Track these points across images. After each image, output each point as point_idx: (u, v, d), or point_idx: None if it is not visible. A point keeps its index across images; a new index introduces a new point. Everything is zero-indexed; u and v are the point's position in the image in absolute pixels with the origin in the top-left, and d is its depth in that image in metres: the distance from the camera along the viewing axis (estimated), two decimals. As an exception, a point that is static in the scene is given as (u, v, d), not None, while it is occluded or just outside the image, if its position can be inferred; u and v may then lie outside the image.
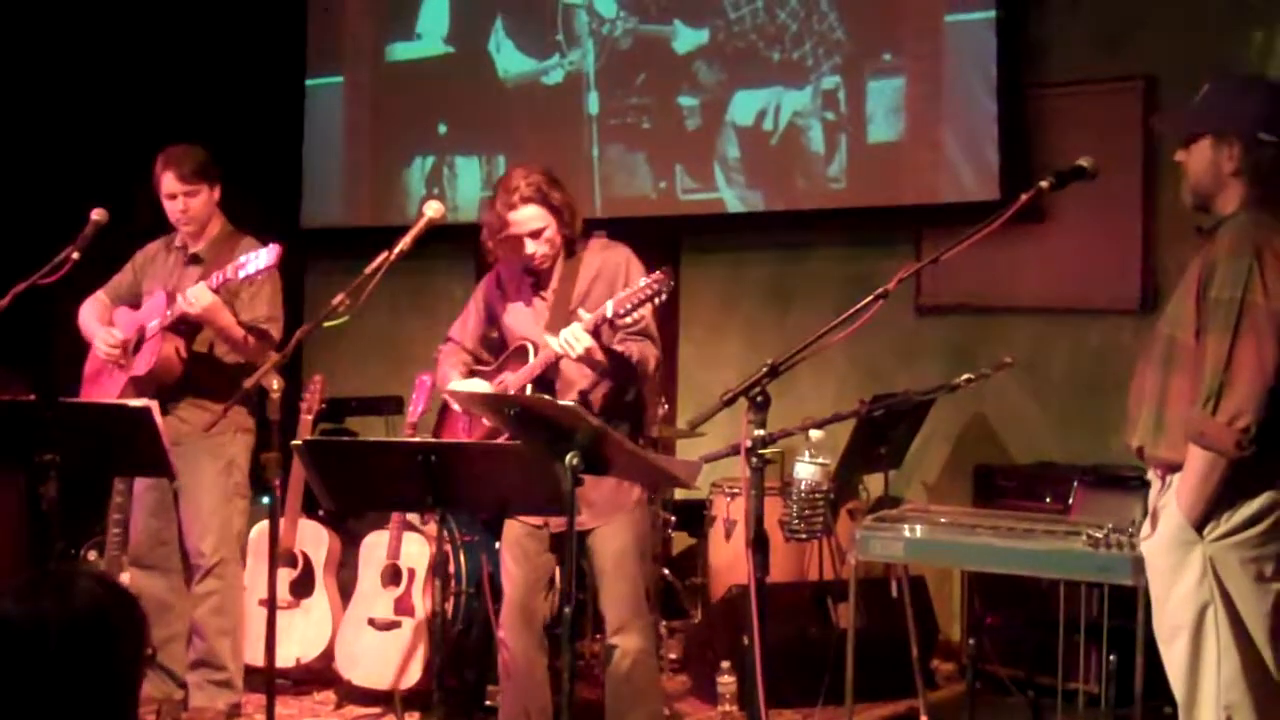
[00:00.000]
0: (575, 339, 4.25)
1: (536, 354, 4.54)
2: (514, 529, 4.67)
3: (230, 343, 5.28)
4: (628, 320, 4.25)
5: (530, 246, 4.55)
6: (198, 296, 5.05)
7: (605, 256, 4.64)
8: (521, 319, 4.70)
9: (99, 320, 5.52)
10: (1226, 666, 3.48)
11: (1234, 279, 3.42)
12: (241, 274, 5.01)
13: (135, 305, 5.52)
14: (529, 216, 4.52)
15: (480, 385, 4.66)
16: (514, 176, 4.57)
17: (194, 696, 5.42)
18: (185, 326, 5.28)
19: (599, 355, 4.35)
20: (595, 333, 4.27)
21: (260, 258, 4.99)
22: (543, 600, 4.70)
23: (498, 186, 4.62)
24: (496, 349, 4.79)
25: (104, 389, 5.40)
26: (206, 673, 5.41)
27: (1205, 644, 3.50)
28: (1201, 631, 3.50)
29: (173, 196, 5.40)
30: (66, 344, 5.66)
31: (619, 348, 4.44)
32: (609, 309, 4.22)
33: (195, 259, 5.47)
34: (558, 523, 4.50)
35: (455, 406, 4.70)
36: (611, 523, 4.57)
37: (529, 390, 4.51)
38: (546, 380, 4.55)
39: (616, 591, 4.60)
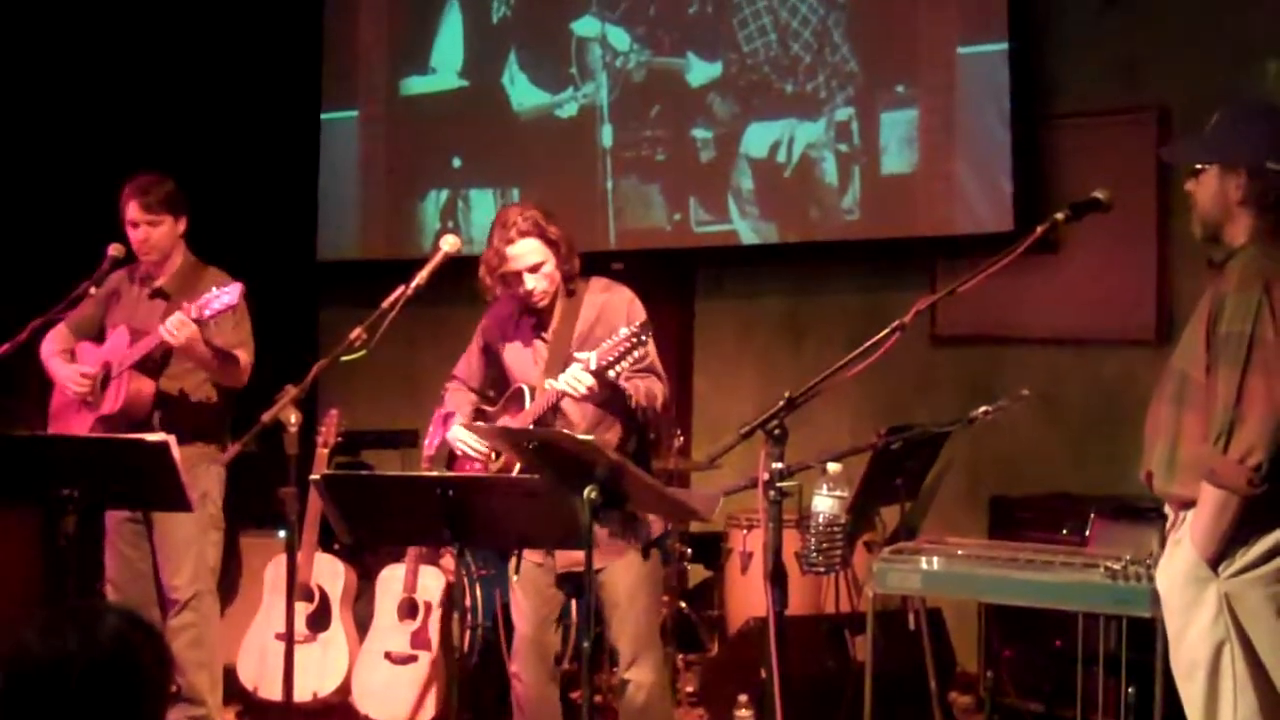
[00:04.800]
0: (577, 380, 4.24)
1: (533, 398, 4.54)
2: (524, 563, 4.68)
3: (208, 369, 5.30)
4: (619, 367, 4.24)
5: (529, 282, 4.54)
6: (179, 328, 5.05)
7: (607, 299, 4.63)
8: (521, 360, 4.70)
9: (61, 355, 5.52)
10: (1243, 705, 3.45)
11: (1243, 313, 3.39)
12: (207, 312, 5.00)
13: (98, 339, 5.52)
14: (526, 250, 4.51)
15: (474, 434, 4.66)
16: (510, 212, 4.59)
17: None
18: (152, 363, 5.29)
19: (600, 391, 4.31)
20: (596, 373, 4.23)
21: (224, 297, 4.99)
22: (554, 634, 4.71)
23: (494, 224, 4.61)
24: (502, 386, 4.80)
25: (71, 425, 5.38)
26: (186, 709, 5.38)
27: (1222, 682, 3.47)
28: (1218, 669, 3.47)
29: (135, 224, 5.42)
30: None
31: (624, 385, 4.41)
32: (592, 361, 4.21)
33: (160, 293, 5.47)
34: (563, 561, 4.54)
35: (458, 451, 4.69)
36: (621, 560, 4.57)
37: None
38: (545, 424, 4.53)
39: (628, 626, 4.60)
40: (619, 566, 4.57)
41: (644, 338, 4.22)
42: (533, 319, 4.68)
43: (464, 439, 4.66)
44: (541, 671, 4.66)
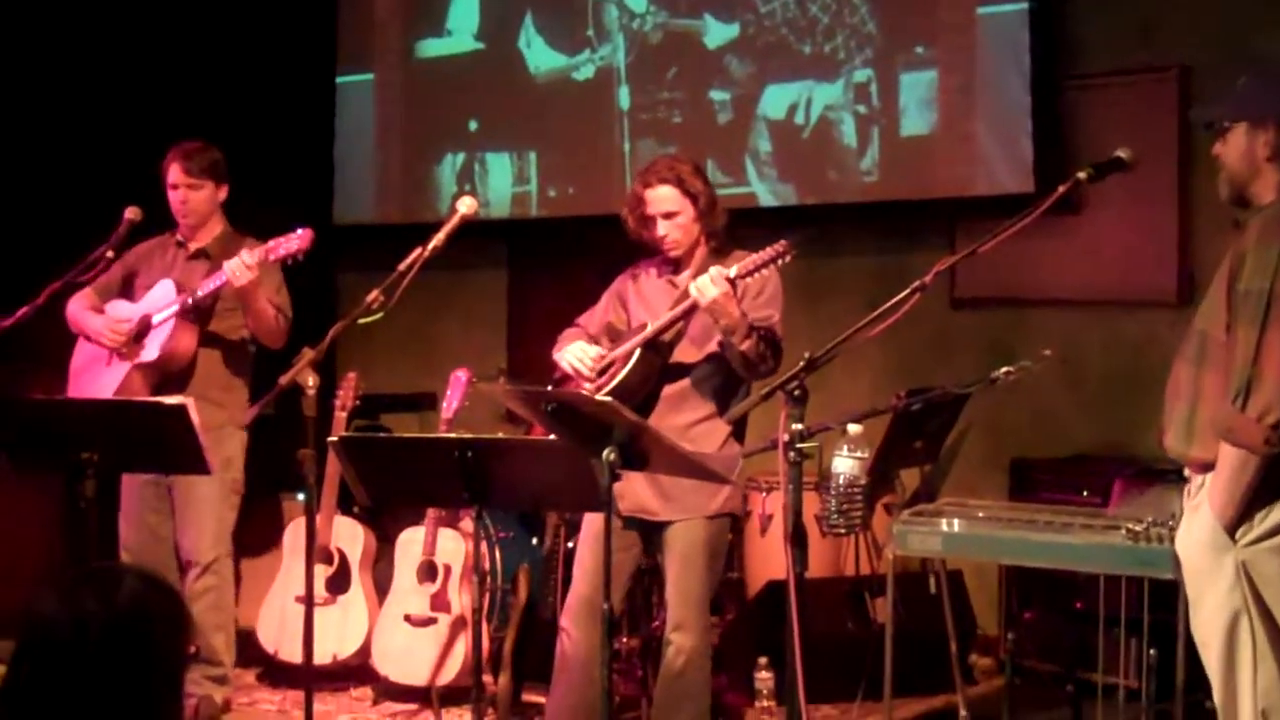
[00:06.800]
0: (711, 281, 4.35)
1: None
2: (597, 522, 4.65)
3: (261, 321, 5.36)
4: (749, 281, 4.41)
5: (661, 228, 4.68)
6: (242, 270, 5.07)
7: None
8: (649, 298, 4.79)
9: (92, 310, 5.54)
10: (1264, 672, 3.43)
11: (1262, 269, 3.36)
12: (273, 256, 5.08)
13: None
14: (662, 197, 4.67)
15: (588, 349, 4.75)
16: (660, 159, 4.87)
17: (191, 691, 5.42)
18: (197, 315, 5.32)
19: (733, 305, 4.40)
20: (733, 280, 4.36)
21: (293, 241, 5.05)
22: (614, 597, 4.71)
23: (643, 168, 4.80)
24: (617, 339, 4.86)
25: (99, 380, 5.41)
26: (204, 669, 5.46)
27: (1240, 651, 3.45)
28: (1235, 640, 3.45)
29: (175, 187, 5.50)
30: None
31: (752, 317, 4.51)
32: (733, 270, 4.35)
33: (202, 254, 5.52)
34: (629, 505, 4.57)
35: (567, 369, 4.76)
36: (687, 521, 4.60)
37: (637, 355, 4.60)
38: (660, 355, 4.63)
39: (681, 587, 4.62)
40: (683, 526, 4.61)
41: (785, 254, 4.33)
42: (671, 268, 4.79)
43: (572, 354, 4.75)
44: (594, 633, 4.57)
